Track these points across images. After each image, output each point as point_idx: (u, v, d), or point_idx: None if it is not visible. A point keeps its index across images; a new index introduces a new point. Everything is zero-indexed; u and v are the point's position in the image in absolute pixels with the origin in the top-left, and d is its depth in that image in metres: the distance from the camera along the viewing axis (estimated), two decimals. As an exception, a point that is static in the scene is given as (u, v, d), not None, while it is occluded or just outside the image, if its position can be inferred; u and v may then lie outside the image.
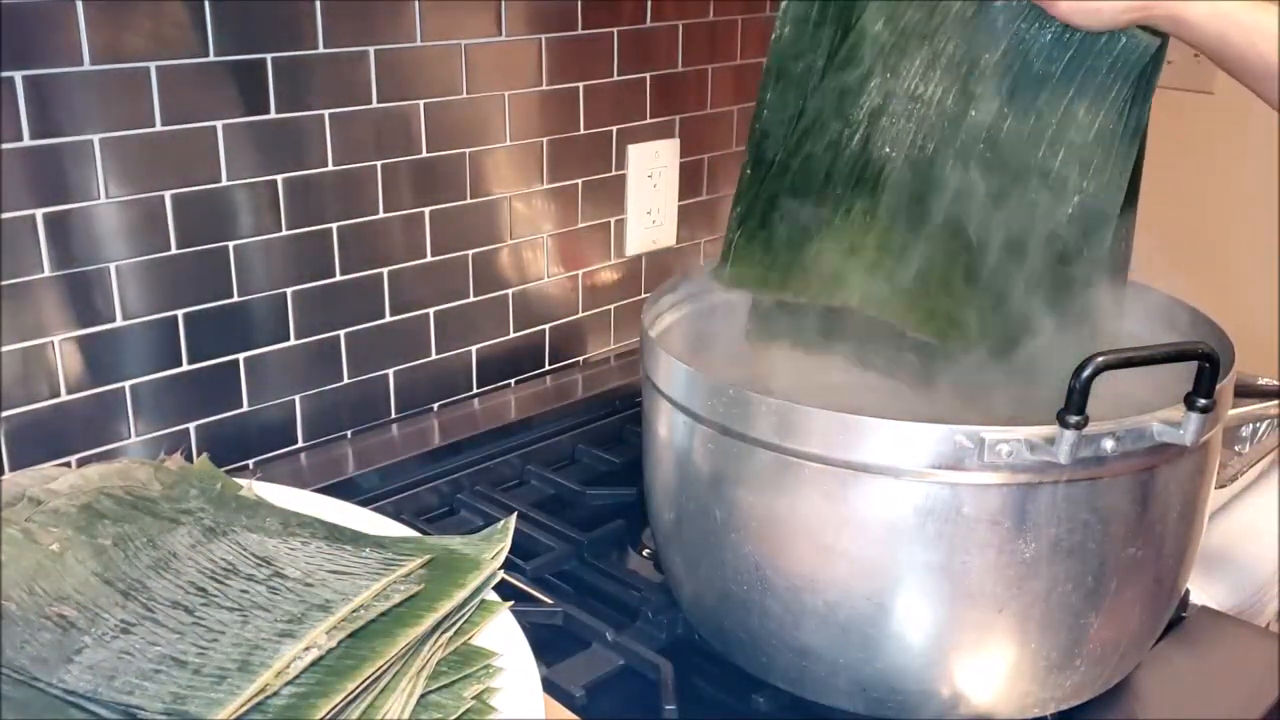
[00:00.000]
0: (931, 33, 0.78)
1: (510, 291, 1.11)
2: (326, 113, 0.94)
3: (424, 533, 0.74)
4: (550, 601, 0.81)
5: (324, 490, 0.83)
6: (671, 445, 0.73)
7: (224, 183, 0.89)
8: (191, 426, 0.92)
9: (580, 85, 1.11)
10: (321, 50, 0.92)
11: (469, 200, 1.06)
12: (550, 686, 0.71)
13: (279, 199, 0.93)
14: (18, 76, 0.78)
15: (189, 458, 0.80)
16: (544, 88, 1.08)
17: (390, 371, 1.04)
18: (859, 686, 0.68)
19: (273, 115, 0.91)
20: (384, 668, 0.55)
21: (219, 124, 0.88)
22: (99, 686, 0.53)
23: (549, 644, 0.76)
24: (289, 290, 0.95)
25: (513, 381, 1.14)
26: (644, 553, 0.90)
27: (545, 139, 1.10)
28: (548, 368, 1.18)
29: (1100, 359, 0.58)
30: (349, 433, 1.03)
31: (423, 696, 0.57)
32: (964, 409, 0.76)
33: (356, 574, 0.61)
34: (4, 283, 0.81)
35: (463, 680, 0.59)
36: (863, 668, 0.67)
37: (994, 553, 0.63)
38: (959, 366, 0.77)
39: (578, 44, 1.10)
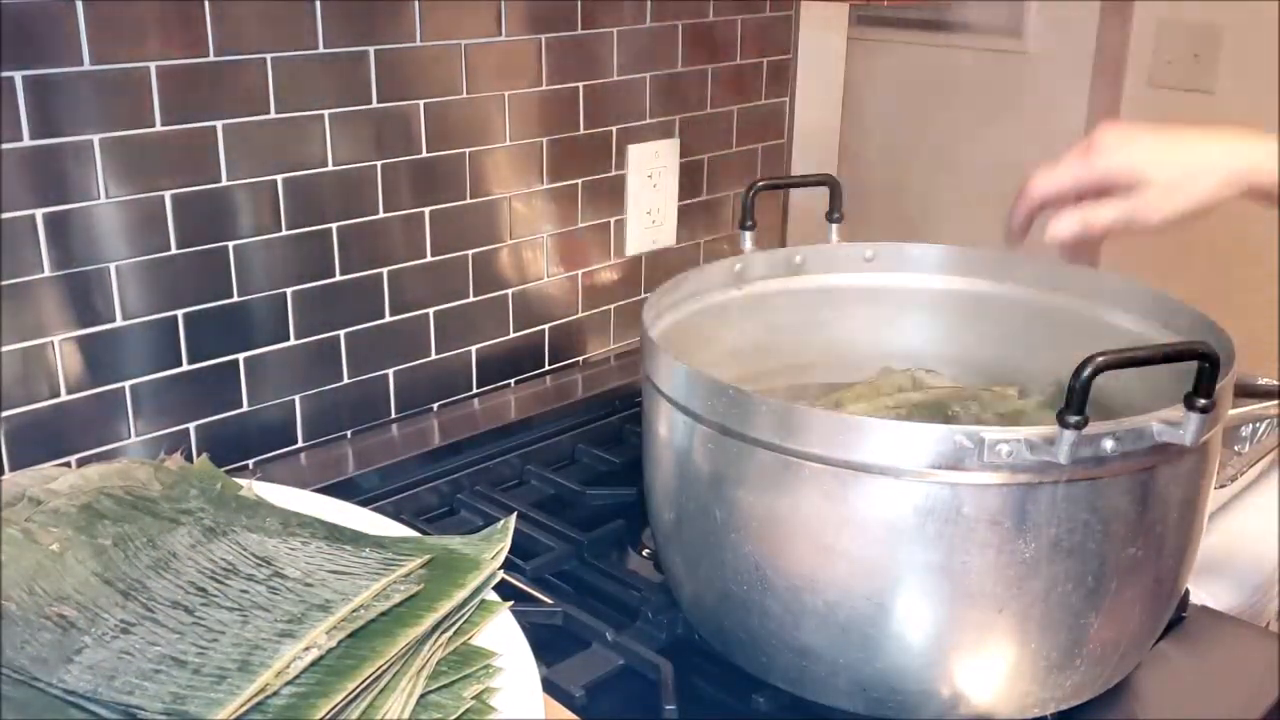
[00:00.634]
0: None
1: (510, 291, 1.11)
2: (326, 113, 0.94)
3: (424, 533, 0.74)
4: (550, 601, 0.81)
5: (324, 490, 0.83)
6: (671, 445, 0.73)
7: (224, 183, 0.89)
8: (191, 426, 0.92)
9: (580, 85, 1.11)
10: (321, 50, 0.92)
11: (469, 200, 1.06)
12: (550, 686, 0.71)
13: (279, 199, 0.93)
14: (18, 76, 0.78)
15: (189, 458, 0.80)
16: (544, 88, 1.08)
17: (390, 371, 1.04)
18: (859, 686, 0.68)
19: (273, 115, 0.91)
20: (384, 668, 0.55)
21: (219, 124, 0.88)
22: (99, 686, 0.53)
23: (549, 644, 0.76)
24: (289, 290, 0.95)
25: (513, 381, 1.14)
26: (644, 553, 0.90)
27: (545, 139, 1.10)
28: (548, 368, 1.18)
29: (1100, 359, 0.58)
30: (349, 433, 1.03)
31: (423, 696, 0.57)
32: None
33: (356, 574, 0.61)
34: (4, 283, 0.81)
35: (463, 680, 0.59)
36: (863, 668, 0.67)
37: (994, 553, 0.63)
38: None
39: (578, 44, 1.10)
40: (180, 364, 0.90)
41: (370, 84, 0.96)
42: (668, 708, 0.71)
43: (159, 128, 0.85)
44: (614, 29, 1.13)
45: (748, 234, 0.91)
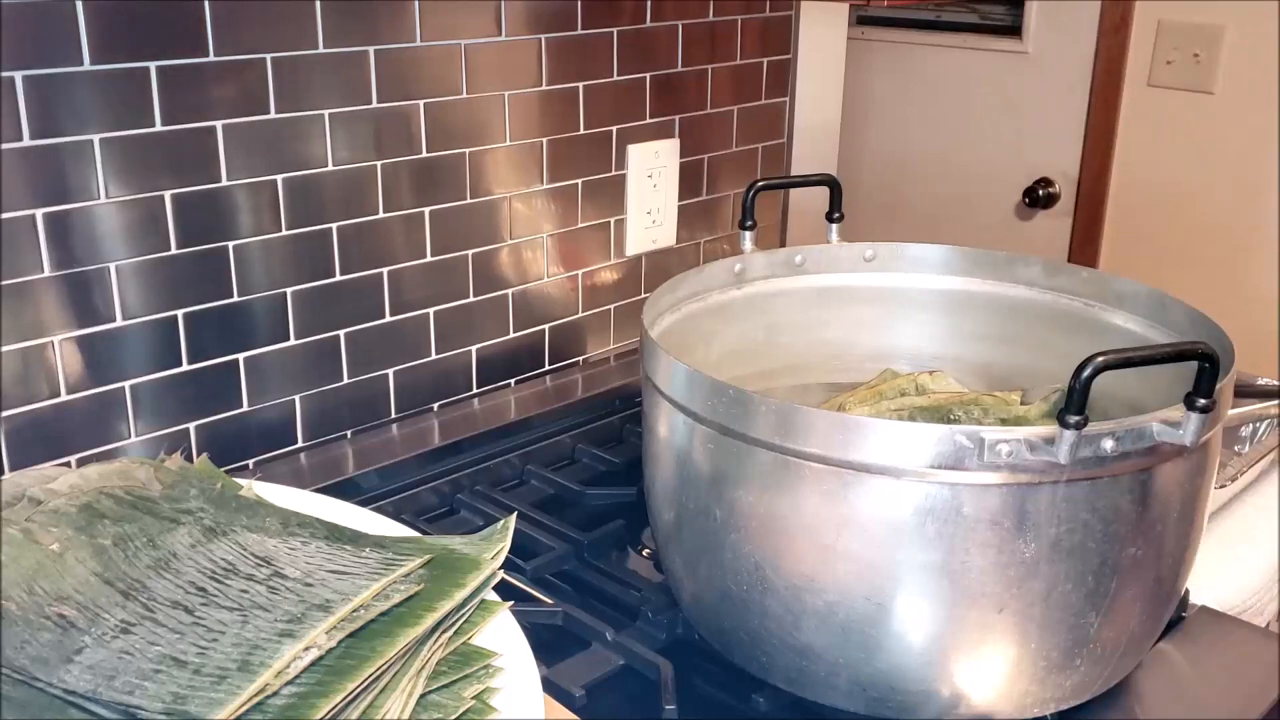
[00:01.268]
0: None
1: (510, 291, 1.11)
2: (326, 113, 0.94)
3: (424, 533, 0.74)
4: (550, 601, 0.81)
5: (324, 490, 0.83)
6: (671, 445, 0.73)
7: (224, 183, 0.89)
8: (191, 426, 0.92)
9: (580, 85, 1.11)
10: (321, 50, 0.92)
11: (469, 200, 1.06)
12: (550, 686, 0.71)
13: (279, 199, 0.93)
14: (18, 76, 0.78)
15: (189, 458, 0.80)
16: (544, 88, 1.08)
17: (390, 371, 1.04)
18: (859, 686, 0.68)
19: (273, 115, 0.91)
20: (384, 668, 0.55)
21: (219, 124, 0.88)
22: (99, 686, 0.53)
23: (549, 644, 0.76)
24: (289, 290, 0.95)
25: (513, 381, 1.15)
26: (644, 553, 0.90)
27: (545, 139, 1.10)
28: (548, 368, 1.18)
29: (1100, 359, 0.58)
30: (349, 433, 1.03)
31: (423, 696, 0.57)
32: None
33: (356, 574, 0.61)
34: (4, 283, 0.81)
35: (463, 680, 0.59)
36: (863, 668, 0.67)
37: (994, 553, 0.63)
38: None
39: (578, 44, 1.10)
40: (180, 364, 0.90)
41: (370, 84, 0.96)
42: (668, 708, 0.71)
43: (159, 128, 0.85)
44: (614, 29, 1.13)
45: (748, 234, 0.91)
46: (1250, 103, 1.82)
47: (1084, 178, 2.02)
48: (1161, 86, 1.93)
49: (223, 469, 0.77)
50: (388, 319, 1.03)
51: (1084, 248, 2.02)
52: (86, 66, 0.81)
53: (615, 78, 1.14)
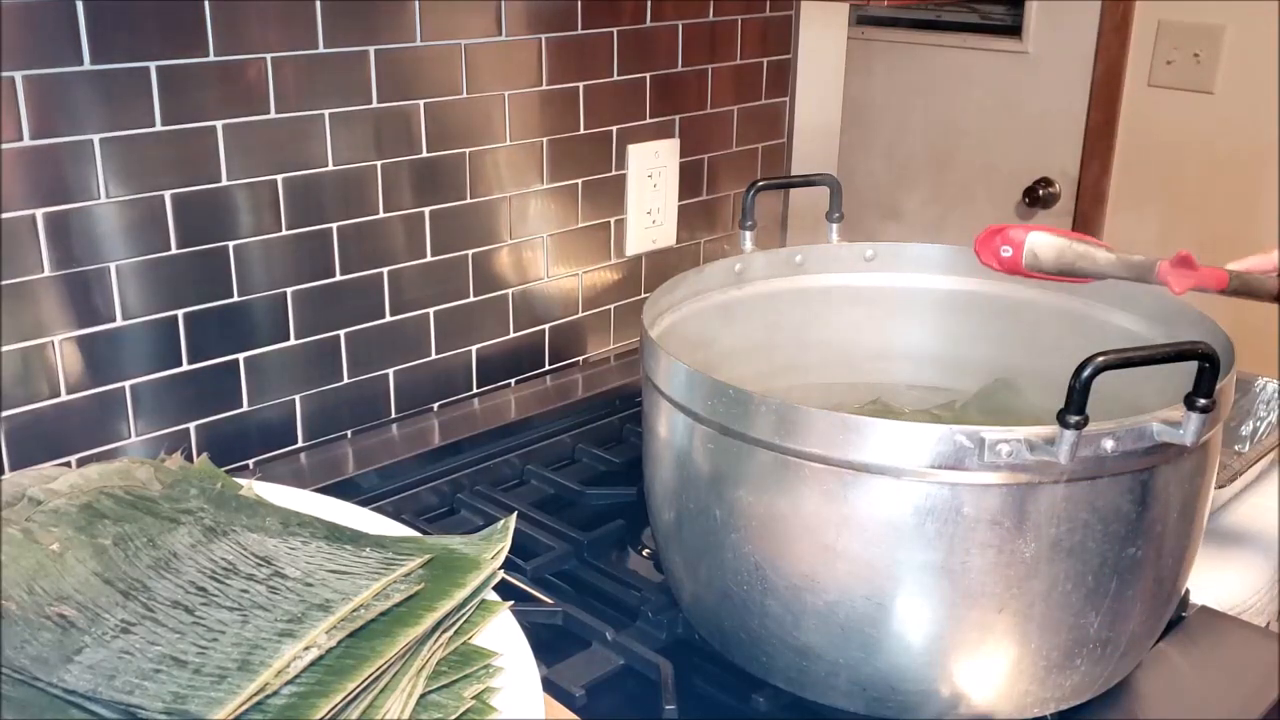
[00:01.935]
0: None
1: (510, 291, 1.11)
2: (326, 113, 0.94)
3: (424, 533, 0.74)
4: (550, 601, 0.81)
5: (324, 490, 0.83)
6: (671, 445, 0.73)
7: (224, 183, 0.89)
8: (191, 426, 0.92)
9: (580, 85, 1.11)
10: (321, 50, 0.92)
11: (469, 200, 1.06)
12: (550, 686, 0.71)
13: (279, 199, 0.93)
14: (18, 76, 0.78)
15: (189, 458, 0.80)
16: (544, 88, 1.08)
17: (390, 371, 1.04)
18: (859, 686, 0.68)
19: (273, 115, 0.91)
20: (384, 667, 0.55)
21: (219, 124, 0.88)
22: (99, 686, 0.53)
23: (549, 644, 0.76)
24: (289, 290, 0.95)
25: (513, 381, 1.15)
26: (644, 553, 0.90)
27: (545, 139, 1.10)
28: (548, 368, 1.18)
29: (1100, 359, 0.58)
30: (349, 433, 1.03)
31: (423, 696, 0.57)
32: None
33: (356, 574, 0.61)
34: (4, 283, 0.81)
35: (463, 680, 0.59)
36: (863, 668, 0.67)
37: (994, 553, 0.63)
38: None
39: (578, 44, 1.10)
40: (180, 364, 0.90)
41: (370, 84, 0.96)
42: (668, 708, 0.71)
43: (159, 128, 0.85)
44: (614, 29, 1.13)
45: (748, 234, 0.91)
46: (1250, 103, 1.82)
47: (1084, 178, 2.02)
48: (1161, 86, 1.93)
49: (223, 469, 0.77)
50: (388, 319, 1.02)
51: (1084, 248, 2.01)
52: (86, 66, 0.81)
53: (615, 78, 1.14)
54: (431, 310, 1.05)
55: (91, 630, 0.56)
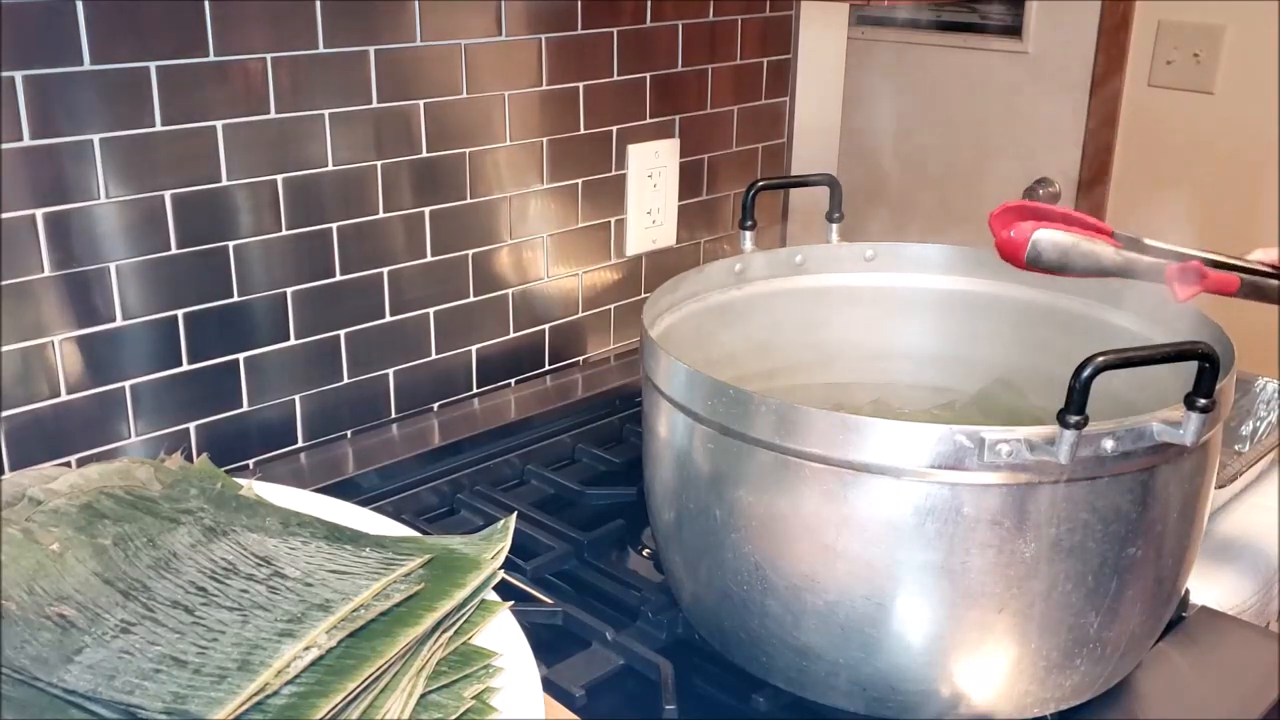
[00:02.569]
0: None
1: (510, 291, 1.11)
2: (326, 113, 0.94)
3: (424, 533, 0.74)
4: (550, 601, 0.81)
5: (324, 490, 0.83)
6: (671, 445, 0.73)
7: (224, 183, 0.89)
8: (191, 426, 0.92)
9: (580, 85, 1.11)
10: (321, 50, 0.92)
11: (469, 200, 1.06)
12: (550, 686, 0.71)
13: (279, 199, 0.93)
14: (18, 76, 0.78)
15: (189, 458, 0.80)
16: (544, 88, 1.08)
17: (390, 371, 1.04)
18: (859, 686, 0.68)
19: (273, 115, 0.91)
20: (384, 668, 0.55)
21: (219, 124, 0.88)
22: (99, 686, 0.53)
23: (549, 644, 0.76)
24: (289, 290, 0.95)
25: (513, 381, 1.15)
26: (644, 553, 0.90)
27: (545, 139, 1.10)
28: (548, 368, 1.18)
29: (1100, 359, 0.58)
30: (349, 433, 1.03)
31: (423, 696, 0.57)
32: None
33: (356, 574, 0.61)
34: (4, 283, 0.81)
35: (463, 680, 0.59)
36: (863, 668, 0.67)
37: (994, 553, 0.63)
38: None
39: (578, 44, 1.10)
40: (180, 364, 0.90)
41: (370, 84, 0.96)
42: (668, 708, 0.71)
43: (159, 128, 0.85)
44: (614, 29, 1.13)
45: (748, 234, 0.91)
46: (1250, 103, 1.82)
47: (1084, 178, 2.02)
48: (1161, 86, 1.93)
49: (223, 469, 0.77)
50: (388, 319, 1.02)
51: (1084, 248, 2.01)
52: (86, 66, 0.81)
53: (615, 78, 1.14)
54: (431, 310, 1.05)
55: (91, 630, 0.56)
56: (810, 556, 0.66)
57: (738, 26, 1.24)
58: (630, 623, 0.79)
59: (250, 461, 0.96)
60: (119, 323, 0.86)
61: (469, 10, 1.01)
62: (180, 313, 0.89)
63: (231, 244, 0.91)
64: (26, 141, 0.79)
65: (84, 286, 0.84)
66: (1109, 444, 0.61)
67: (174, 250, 0.88)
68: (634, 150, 1.18)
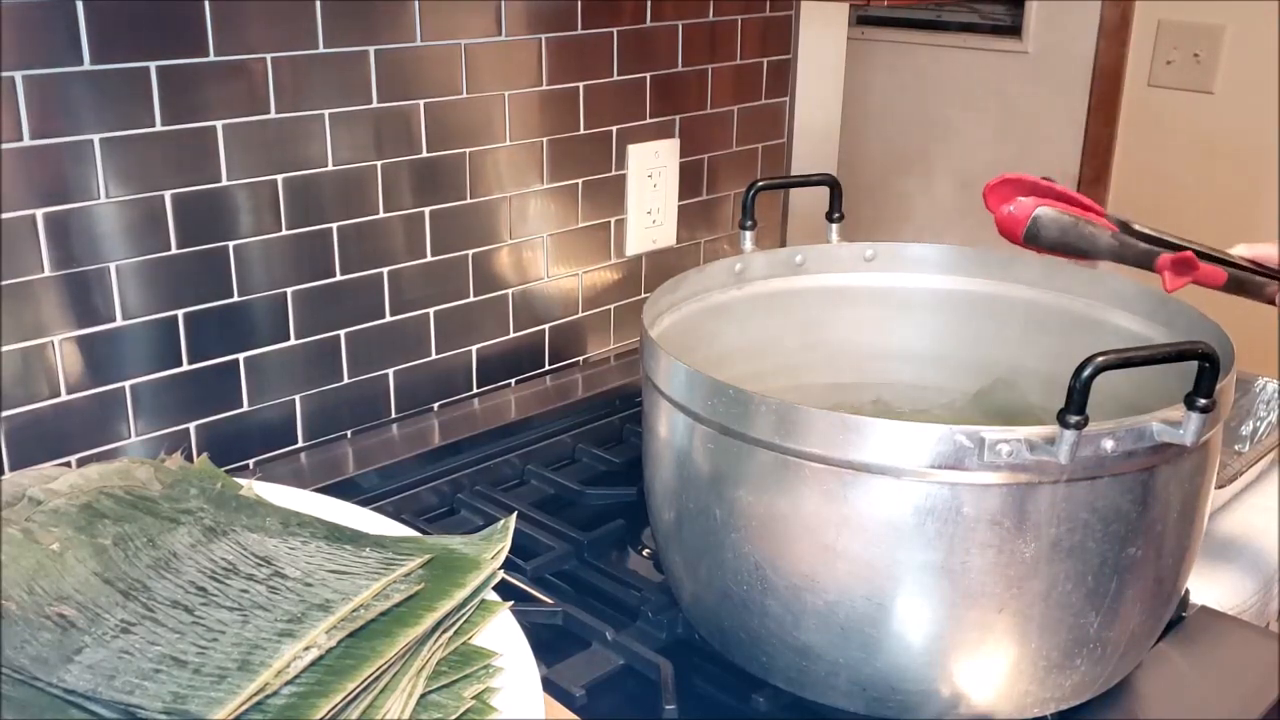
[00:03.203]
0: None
1: (510, 291, 1.11)
2: (326, 113, 0.94)
3: (424, 533, 0.74)
4: (550, 601, 0.81)
5: (324, 490, 0.83)
6: (671, 445, 0.73)
7: (224, 183, 0.89)
8: (191, 426, 0.92)
9: (580, 85, 1.11)
10: (321, 50, 0.92)
11: (469, 200, 1.06)
12: (550, 686, 0.71)
13: (279, 199, 0.93)
14: (18, 76, 0.78)
15: (189, 457, 0.80)
16: (544, 88, 1.08)
17: (390, 371, 1.04)
18: (859, 686, 0.68)
19: (273, 115, 0.91)
20: (384, 667, 0.55)
21: (219, 124, 0.88)
22: (99, 686, 0.53)
23: (549, 644, 0.76)
24: (289, 290, 0.95)
25: (513, 381, 1.15)
26: (644, 553, 0.90)
27: (545, 139, 1.10)
28: (548, 368, 1.18)
29: (1100, 359, 0.58)
30: (349, 433, 1.03)
31: (423, 696, 0.57)
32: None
33: (356, 574, 0.61)
34: (4, 283, 0.81)
35: (463, 680, 0.59)
36: (863, 668, 0.67)
37: (994, 553, 0.63)
38: None
39: (578, 44, 1.10)
40: (180, 364, 0.90)
41: (370, 84, 0.96)
42: (668, 708, 0.71)
43: (159, 128, 0.85)
44: (614, 29, 1.13)
45: (748, 234, 0.91)
46: (1250, 103, 1.82)
47: (1084, 178, 2.02)
48: (1161, 86, 1.93)
49: (223, 469, 0.77)
50: (388, 319, 1.02)
51: (1084, 248, 2.02)
52: (86, 66, 0.81)
53: (615, 78, 1.14)
54: (431, 310, 1.05)
55: (91, 630, 0.56)
56: (810, 556, 0.66)
57: (738, 26, 1.25)
58: (630, 623, 0.79)
59: (250, 461, 0.96)
60: (119, 323, 0.86)
61: (469, 10, 1.01)
62: (180, 313, 0.89)
63: (231, 244, 0.91)
64: (26, 141, 0.79)
65: (84, 286, 0.84)
66: (1109, 444, 0.61)
67: (174, 250, 0.88)
68: (634, 150, 1.18)
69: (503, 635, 0.63)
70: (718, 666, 0.75)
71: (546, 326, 1.16)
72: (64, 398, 0.85)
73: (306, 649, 0.54)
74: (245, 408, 0.95)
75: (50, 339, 0.83)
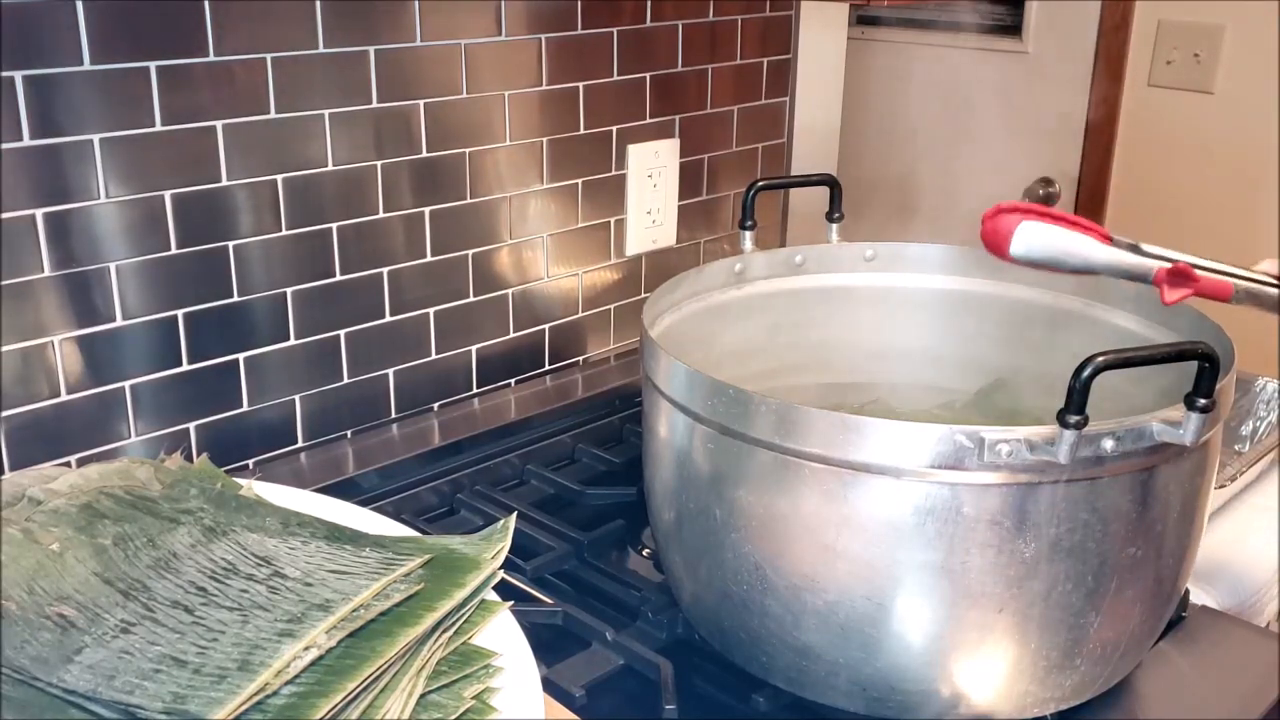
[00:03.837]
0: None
1: (510, 291, 1.11)
2: (326, 113, 0.94)
3: (424, 533, 0.74)
4: (550, 601, 0.81)
5: (324, 490, 0.83)
6: (671, 445, 0.73)
7: (224, 183, 0.89)
8: (191, 426, 0.92)
9: (580, 85, 1.11)
10: (321, 50, 0.92)
11: (469, 200, 1.06)
12: (550, 686, 0.71)
13: (279, 199, 0.93)
14: (18, 76, 0.78)
15: (189, 458, 0.80)
16: (544, 88, 1.08)
17: (390, 371, 1.04)
18: (859, 686, 0.68)
19: (273, 115, 0.91)
20: (384, 667, 0.55)
21: (219, 124, 0.88)
22: (99, 686, 0.53)
23: (549, 644, 0.76)
24: (289, 290, 0.95)
25: (513, 381, 1.15)
26: (644, 553, 0.90)
27: (545, 139, 1.10)
28: (548, 368, 1.18)
29: (1100, 359, 0.58)
30: (349, 433, 1.03)
31: (423, 696, 0.57)
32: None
33: (356, 574, 0.61)
34: (4, 283, 0.81)
35: (463, 680, 0.59)
36: (863, 668, 0.67)
37: (994, 553, 0.63)
38: None
39: (578, 44, 1.10)
40: (180, 364, 0.90)
41: (370, 84, 0.96)
42: (668, 708, 0.71)
43: (159, 128, 0.85)
44: (614, 29, 1.13)
45: (748, 234, 0.91)
46: (1250, 103, 1.82)
47: (1084, 178, 2.02)
48: (1161, 86, 1.93)
49: (223, 469, 0.77)
50: (388, 319, 1.02)
51: (1084, 248, 2.01)
52: (86, 66, 0.81)
53: (615, 78, 1.14)
54: (431, 310, 1.05)
55: (91, 630, 0.56)
56: (810, 556, 0.66)
57: (738, 26, 1.24)
58: (630, 623, 0.79)
59: (250, 461, 0.96)
60: (119, 323, 0.86)
61: (469, 10, 1.01)
62: (180, 313, 0.89)
63: (231, 244, 0.91)
64: (26, 141, 0.79)
65: (84, 286, 0.84)
66: (1109, 444, 0.61)
67: (174, 250, 0.88)
68: (634, 150, 1.18)
69: (503, 635, 0.63)
70: (718, 666, 0.75)
71: (546, 326, 1.16)
72: (64, 398, 0.85)
73: (306, 649, 0.54)
74: (245, 408, 0.95)
75: (50, 339, 0.83)
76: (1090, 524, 0.63)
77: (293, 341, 0.97)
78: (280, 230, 0.93)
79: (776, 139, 1.34)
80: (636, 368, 1.14)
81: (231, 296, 0.92)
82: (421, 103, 1.00)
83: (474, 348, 1.10)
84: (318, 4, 0.91)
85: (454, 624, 0.61)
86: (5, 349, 0.82)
